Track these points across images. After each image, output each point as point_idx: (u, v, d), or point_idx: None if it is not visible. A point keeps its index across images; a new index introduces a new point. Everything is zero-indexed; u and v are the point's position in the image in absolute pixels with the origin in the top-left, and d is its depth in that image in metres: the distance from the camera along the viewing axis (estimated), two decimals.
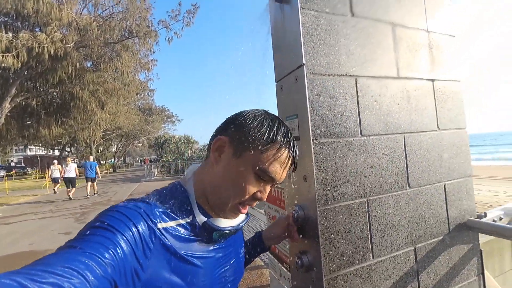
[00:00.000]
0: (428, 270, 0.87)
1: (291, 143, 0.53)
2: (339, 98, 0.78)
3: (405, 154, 0.88)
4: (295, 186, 0.80)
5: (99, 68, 11.15)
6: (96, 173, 9.61)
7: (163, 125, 36.26)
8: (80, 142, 21.88)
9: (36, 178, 21.58)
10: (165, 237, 0.45)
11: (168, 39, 11.70)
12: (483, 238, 1.06)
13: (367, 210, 0.79)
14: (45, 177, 14.67)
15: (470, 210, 0.99)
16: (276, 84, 0.90)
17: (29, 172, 29.71)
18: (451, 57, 1.02)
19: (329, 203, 0.74)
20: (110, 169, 29.97)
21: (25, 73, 10.66)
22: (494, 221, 0.96)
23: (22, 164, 37.31)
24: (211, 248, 0.53)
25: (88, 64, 12.14)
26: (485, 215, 0.99)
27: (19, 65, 8.36)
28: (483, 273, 0.99)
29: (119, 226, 0.40)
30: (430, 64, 0.97)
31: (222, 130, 0.55)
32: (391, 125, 0.86)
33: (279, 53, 0.87)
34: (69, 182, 8.97)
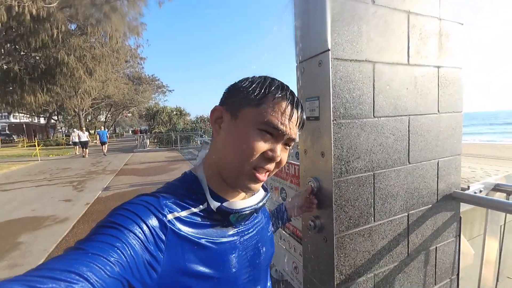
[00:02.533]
0: (416, 232, 1.04)
1: (288, 94, 0.50)
2: (358, 82, 0.86)
3: (408, 134, 0.99)
4: (312, 160, 0.92)
5: (86, 32, 10.44)
6: (107, 137, 14.10)
7: (153, 95, 35.22)
8: (68, 110, 21.16)
9: (23, 146, 21.12)
10: (178, 227, 0.45)
11: (159, 2, 10.92)
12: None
13: (373, 182, 0.92)
14: (34, 145, 14.39)
15: (456, 184, 1.15)
16: (297, 66, 0.96)
17: (16, 140, 28.89)
18: (457, 45, 1.09)
19: (343, 176, 0.86)
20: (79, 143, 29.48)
21: (4, 34, 9.90)
22: (475, 193, 1.12)
23: (7, 132, 36.11)
24: (231, 232, 0.52)
25: (73, 27, 11.32)
26: (468, 188, 1.15)
27: None
28: (459, 235, 1.18)
29: (126, 223, 0.40)
30: (438, 51, 1.04)
31: (219, 103, 0.55)
32: (399, 107, 0.96)
33: (303, 35, 0.92)
34: (84, 145, 12.83)
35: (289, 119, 0.49)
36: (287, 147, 0.53)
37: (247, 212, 0.51)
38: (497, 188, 1.20)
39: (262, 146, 0.48)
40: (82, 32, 10.65)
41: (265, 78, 0.52)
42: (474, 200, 1.08)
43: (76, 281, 0.30)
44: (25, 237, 3.55)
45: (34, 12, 7.76)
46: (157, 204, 0.45)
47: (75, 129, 14.70)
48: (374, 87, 0.89)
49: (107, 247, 0.35)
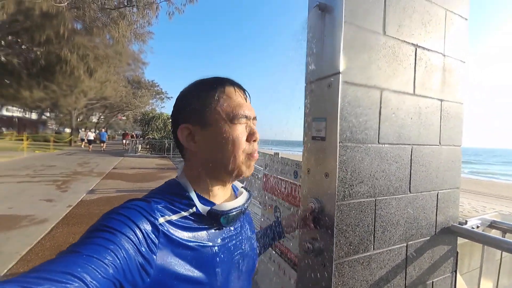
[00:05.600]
0: (414, 264, 1.02)
1: (225, 80, 0.55)
2: (365, 107, 0.87)
3: (411, 163, 0.99)
4: (315, 180, 0.90)
5: (91, 32, 10.55)
6: (106, 138, 18.89)
7: (151, 101, 35.19)
8: (61, 108, 20.85)
9: (11, 139, 20.48)
10: (170, 230, 0.45)
11: (169, 13, 11.22)
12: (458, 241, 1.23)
13: (374, 208, 0.90)
14: (22, 139, 14.01)
15: (454, 217, 1.14)
16: (305, 86, 0.97)
17: (5, 132, 28.05)
18: (459, 81, 1.13)
19: (346, 199, 0.84)
20: (86, 139, 29.03)
21: (7, 26, 9.90)
22: (472, 228, 1.12)
23: None
24: (222, 236, 0.53)
25: (79, 26, 11.44)
26: (466, 223, 1.14)
27: (4, 17, 7.76)
28: (456, 271, 1.16)
29: (119, 226, 0.40)
30: (441, 85, 1.08)
31: (176, 123, 0.55)
32: (403, 136, 0.97)
33: (315, 57, 0.93)
34: (91, 142, 17.44)
35: (245, 98, 0.56)
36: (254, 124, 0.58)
37: (236, 212, 0.53)
38: (493, 225, 1.20)
39: (243, 134, 0.53)
40: (87, 32, 10.76)
41: (200, 80, 0.56)
42: (472, 236, 1.07)
43: (72, 282, 0.30)
44: None
45: (44, 8, 7.84)
46: (148, 208, 0.46)
47: (86, 130, 20.25)
48: (380, 114, 0.90)
49: (101, 250, 0.36)
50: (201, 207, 0.51)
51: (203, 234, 0.50)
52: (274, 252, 1.86)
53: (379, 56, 0.90)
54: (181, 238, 0.46)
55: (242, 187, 0.66)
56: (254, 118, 0.57)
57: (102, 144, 17.79)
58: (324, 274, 0.84)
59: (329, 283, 0.82)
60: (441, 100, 1.08)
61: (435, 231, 1.08)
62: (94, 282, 0.32)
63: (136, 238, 0.41)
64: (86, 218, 4.09)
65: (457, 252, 1.15)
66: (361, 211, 0.87)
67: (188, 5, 11.18)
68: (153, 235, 0.43)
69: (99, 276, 0.33)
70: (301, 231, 0.97)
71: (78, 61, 11.42)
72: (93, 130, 22.03)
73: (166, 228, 0.45)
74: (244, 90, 0.57)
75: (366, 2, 0.86)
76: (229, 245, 0.55)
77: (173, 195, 0.52)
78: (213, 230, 0.52)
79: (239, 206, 0.55)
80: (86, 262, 0.34)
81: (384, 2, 0.90)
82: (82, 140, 18.59)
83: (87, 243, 0.37)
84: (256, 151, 0.56)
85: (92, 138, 17.56)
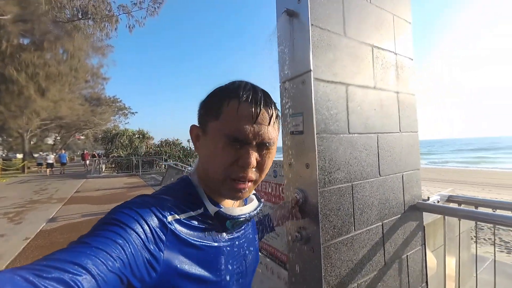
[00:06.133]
0: (390, 241, 1.12)
1: (244, 94, 0.48)
2: (334, 101, 0.96)
3: (378, 150, 1.11)
4: (297, 172, 0.96)
5: (41, 48, 9.74)
6: (67, 159, 18.87)
7: (113, 117, 33.19)
8: (10, 131, 18.68)
9: None
10: (177, 229, 0.46)
11: (129, 26, 10.87)
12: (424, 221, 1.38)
13: (351, 192, 0.99)
14: None
15: (418, 195, 1.29)
16: (280, 85, 1.04)
17: None
18: (410, 75, 1.30)
19: (326, 186, 0.91)
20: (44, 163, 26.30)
21: None
22: (434, 203, 1.26)
23: None
24: (226, 238, 0.54)
25: (25, 41, 10.50)
26: (428, 199, 1.29)
27: None
28: (424, 244, 1.30)
29: (129, 221, 0.40)
30: (396, 79, 1.23)
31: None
32: (369, 126, 1.08)
33: (287, 57, 1.01)
34: (50, 165, 16.23)
35: (254, 121, 0.48)
36: (266, 149, 0.51)
37: (242, 219, 0.53)
38: (450, 199, 1.36)
39: (232, 156, 0.48)
40: (36, 48, 9.90)
41: (224, 85, 0.52)
42: (434, 209, 1.21)
43: (80, 273, 0.31)
44: None
45: None
46: (158, 205, 0.46)
47: (44, 153, 19.26)
48: (347, 107, 1.00)
49: (109, 243, 0.36)
50: (210, 208, 0.52)
51: (208, 234, 0.51)
52: (260, 254, 1.88)
53: (342, 55, 1.00)
54: (188, 237, 0.47)
55: (253, 194, 0.64)
56: (263, 143, 0.49)
57: (62, 167, 17.12)
58: (313, 259, 0.89)
59: (320, 267, 0.87)
60: (397, 92, 1.22)
61: (404, 209, 1.20)
62: (101, 274, 0.33)
63: (145, 235, 0.41)
64: (49, 249, 3.68)
65: (424, 227, 1.28)
66: (341, 196, 0.95)
67: (149, 18, 10.98)
68: (161, 233, 0.43)
69: (107, 269, 0.34)
70: (289, 222, 1.01)
71: (27, 80, 10.41)
72: (50, 153, 20.56)
73: (174, 227, 0.45)
74: (260, 109, 0.49)
75: (328, 8, 0.96)
76: (234, 246, 0.55)
77: (183, 194, 0.52)
78: (218, 231, 0.53)
79: (246, 213, 0.54)
80: (95, 254, 0.34)
81: (343, 9, 1.01)
82: (40, 164, 17.33)
83: (97, 235, 0.37)
84: (247, 180, 0.49)
85: (51, 161, 16.49)
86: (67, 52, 9.97)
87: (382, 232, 1.09)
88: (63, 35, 9.47)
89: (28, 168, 18.64)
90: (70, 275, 0.30)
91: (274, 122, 0.51)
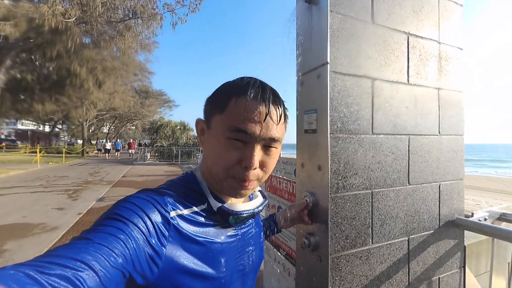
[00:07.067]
0: (417, 259, 0.98)
1: (253, 91, 0.47)
2: (356, 97, 0.85)
3: (408, 154, 0.96)
4: (309, 174, 0.88)
5: (99, 45, 10.90)
6: (121, 147, 23.00)
7: (159, 109, 35.82)
8: (73, 120, 21.55)
9: (26, 152, 21.19)
10: (180, 224, 0.45)
11: (172, 24, 11.49)
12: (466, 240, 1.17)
13: (371, 201, 0.88)
14: (36, 152, 14.45)
15: (459, 210, 1.10)
16: (297, 79, 0.96)
17: (19, 145, 29.09)
18: (457, 68, 1.10)
19: (339, 192, 0.82)
20: (103, 149, 29.78)
21: (21, 44, 10.35)
22: (479, 220, 1.07)
23: (13, 137, 36.53)
24: (230, 233, 0.53)
25: (87, 41, 11.85)
26: (472, 215, 1.09)
27: (17, 34, 8.13)
28: (464, 267, 1.11)
29: (131, 216, 0.40)
30: (437, 73, 1.05)
31: None
32: (399, 126, 0.94)
33: (303, 50, 0.93)
34: (108, 151, 20.22)
35: (261, 117, 0.46)
36: (271, 149, 0.49)
37: (245, 215, 0.52)
38: (503, 217, 1.14)
39: (234, 155, 0.47)
40: (95, 46, 11.13)
41: (233, 81, 0.51)
42: (479, 228, 1.02)
43: (82, 269, 0.31)
44: (11, 244, 3.41)
45: (53, 24, 8.18)
46: (161, 200, 0.46)
47: (103, 140, 24.38)
48: (373, 103, 0.88)
49: (111, 239, 0.36)
50: (213, 204, 0.51)
51: (212, 230, 0.50)
52: (279, 254, 1.84)
53: (368, 45, 0.88)
54: (190, 233, 0.46)
55: (259, 190, 0.63)
56: (270, 140, 0.48)
57: (117, 153, 21.33)
58: (320, 269, 0.82)
59: (326, 278, 0.80)
60: (438, 89, 1.05)
61: (439, 225, 1.03)
62: (104, 270, 0.33)
63: (147, 230, 0.41)
64: None
65: (464, 247, 1.09)
66: (357, 204, 0.85)
67: (191, 15, 11.45)
68: (163, 228, 0.43)
69: (109, 265, 0.34)
70: (297, 226, 0.95)
71: (87, 74, 11.81)
72: (107, 140, 24.46)
73: (176, 222, 0.45)
74: (269, 107, 0.47)
75: None
76: (237, 242, 0.54)
77: (187, 189, 0.52)
78: (222, 227, 0.52)
79: (250, 209, 0.53)
80: (97, 250, 0.34)
81: None
82: (99, 150, 22.04)
83: (99, 231, 0.37)
84: (251, 180, 0.48)
85: (109, 148, 20.35)
86: (120, 50, 11.00)
87: (408, 248, 0.95)
88: (116, 34, 10.48)
89: (87, 152, 21.62)
90: (73, 271, 0.30)
91: (281, 121, 0.50)
